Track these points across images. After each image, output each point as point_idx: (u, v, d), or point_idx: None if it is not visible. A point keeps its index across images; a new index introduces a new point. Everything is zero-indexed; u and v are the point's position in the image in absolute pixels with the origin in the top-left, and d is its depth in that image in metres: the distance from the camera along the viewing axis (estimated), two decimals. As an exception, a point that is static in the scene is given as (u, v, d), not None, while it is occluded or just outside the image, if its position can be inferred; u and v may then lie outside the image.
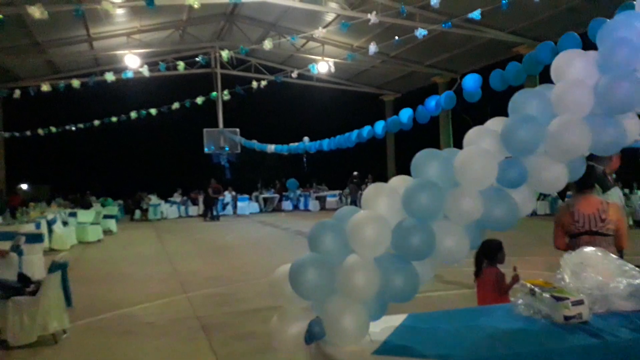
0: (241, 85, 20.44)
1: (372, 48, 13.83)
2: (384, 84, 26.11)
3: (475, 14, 11.85)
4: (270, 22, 20.54)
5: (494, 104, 5.76)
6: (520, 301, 2.81)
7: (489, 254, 4.19)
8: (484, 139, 2.67)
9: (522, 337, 2.44)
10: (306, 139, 13.77)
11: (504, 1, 10.41)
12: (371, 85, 26.53)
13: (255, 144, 18.04)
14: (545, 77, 3.03)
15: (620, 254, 4.01)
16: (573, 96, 2.58)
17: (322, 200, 26.01)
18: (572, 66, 2.67)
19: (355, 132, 11.57)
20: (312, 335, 2.43)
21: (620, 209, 4.24)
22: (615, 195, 4.53)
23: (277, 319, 2.57)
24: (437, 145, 22.68)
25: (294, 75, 18.48)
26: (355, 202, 21.42)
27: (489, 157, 2.56)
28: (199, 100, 18.28)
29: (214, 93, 21.54)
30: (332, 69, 18.60)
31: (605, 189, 4.43)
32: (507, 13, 12.89)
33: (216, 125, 23.45)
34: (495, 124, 2.72)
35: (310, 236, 2.51)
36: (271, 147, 15.25)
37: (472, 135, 2.72)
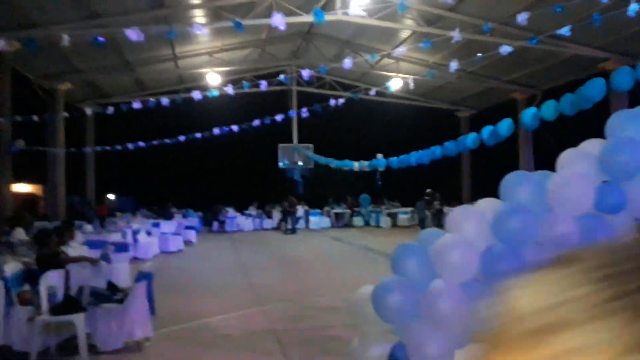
0: (317, 101, 20.76)
1: (454, 65, 13.62)
2: (460, 100, 25.58)
3: (564, 31, 11.38)
4: (345, 40, 20.77)
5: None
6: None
7: None
8: (579, 162, 2.56)
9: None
10: (379, 155, 13.73)
11: (595, 17, 9.90)
12: (446, 101, 26.08)
13: (333, 160, 18.20)
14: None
15: None
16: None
17: (393, 217, 25.75)
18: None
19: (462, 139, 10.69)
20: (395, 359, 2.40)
21: None
22: None
23: (358, 341, 2.56)
24: (517, 166, 21.92)
25: (372, 93, 18.56)
26: (423, 220, 21.05)
27: (586, 181, 2.44)
28: (278, 117, 18.77)
29: (292, 111, 22.04)
30: (412, 86, 18.50)
31: None
32: (593, 27, 12.33)
33: (291, 141, 23.91)
34: (590, 146, 2.60)
35: (394, 258, 2.50)
36: (356, 165, 15.33)
37: (567, 157, 2.61)
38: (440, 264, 2.37)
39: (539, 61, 18.75)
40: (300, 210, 24.67)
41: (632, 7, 8.32)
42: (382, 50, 19.48)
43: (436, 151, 11.60)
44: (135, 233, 14.23)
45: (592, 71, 16.77)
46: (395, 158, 12.82)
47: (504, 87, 22.14)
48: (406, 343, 2.36)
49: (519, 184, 2.53)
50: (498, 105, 23.59)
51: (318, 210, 25.79)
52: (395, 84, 21.16)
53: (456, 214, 2.57)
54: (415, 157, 12.72)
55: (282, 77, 16.36)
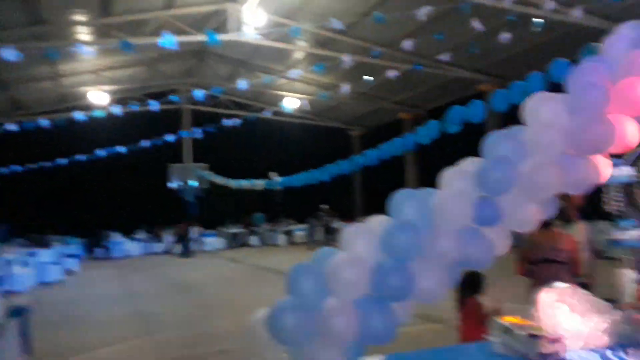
0: (212, 120, 20.42)
1: (345, 88, 14.09)
2: (352, 119, 26.48)
3: (444, 56, 12.22)
4: (240, 59, 20.71)
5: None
6: (496, 339, 2.82)
7: (471, 285, 4.23)
8: (459, 180, 2.71)
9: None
10: (273, 174, 13.78)
11: (472, 49, 10.77)
12: (340, 120, 26.87)
13: (229, 180, 17.91)
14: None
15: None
16: (544, 138, 2.65)
17: (290, 234, 25.85)
18: (543, 109, 2.75)
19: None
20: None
21: (576, 240, 4.60)
22: (576, 229, 4.66)
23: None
24: (403, 183, 23.00)
25: (268, 114, 18.61)
26: (311, 235, 21.38)
27: (465, 197, 2.59)
28: (169, 137, 18.14)
29: (184, 131, 21.45)
30: (308, 107, 18.85)
31: (567, 222, 4.56)
32: (471, 52, 13.36)
33: (182, 161, 23.25)
34: (468, 164, 2.77)
35: (289, 279, 2.47)
36: (254, 183, 15.17)
37: (448, 175, 2.75)
38: (333, 282, 2.38)
39: (423, 83, 19.96)
40: (193, 232, 23.98)
41: (504, 36, 9.28)
42: (277, 70, 19.70)
43: (330, 170, 11.91)
44: (8, 264, 12.96)
45: (470, 92, 18.19)
46: (291, 177, 12.96)
47: (392, 107, 23.27)
48: (300, 364, 2.34)
49: (405, 202, 2.62)
50: (387, 125, 24.73)
51: (213, 231, 25.18)
52: (290, 104, 21.46)
53: (348, 232, 2.61)
54: (310, 176, 12.98)
55: (173, 96, 15.91)
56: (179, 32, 13.40)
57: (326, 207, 23.47)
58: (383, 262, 2.48)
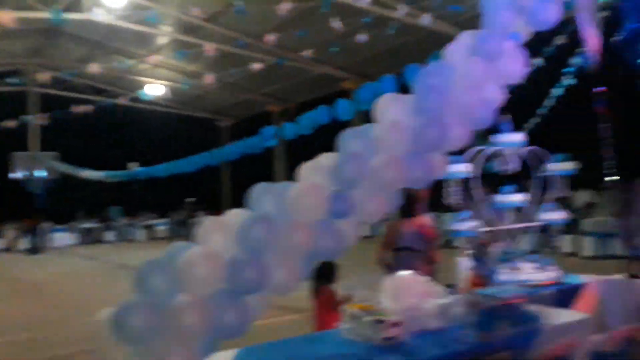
0: (63, 106, 18.77)
1: (208, 79, 13.74)
2: (220, 109, 26.04)
3: (307, 53, 12.49)
4: (97, 41, 19.29)
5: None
6: (345, 325, 2.97)
7: (325, 274, 4.41)
8: (315, 174, 2.79)
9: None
10: (133, 164, 13.06)
11: (332, 47, 11.17)
12: (207, 110, 26.26)
13: (81, 170, 16.59)
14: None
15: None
16: (391, 136, 2.83)
17: (150, 229, 24.77)
18: (391, 109, 2.93)
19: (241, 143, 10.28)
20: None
21: (433, 230, 4.99)
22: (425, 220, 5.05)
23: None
24: (272, 175, 23.16)
25: (124, 101, 17.55)
26: (174, 229, 20.81)
27: (320, 191, 2.67)
28: (10, 123, 16.29)
29: (30, 115, 19.46)
30: (167, 94, 18.10)
31: (414, 215, 4.92)
32: (336, 50, 13.81)
33: (28, 149, 21.10)
34: (325, 159, 2.86)
35: (137, 276, 2.37)
36: (98, 174, 14.16)
37: (305, 169, 2.83)
38: (186, 278, 2.33)
39: (291, 77, 20.25)
40: (42, 227, 21.95)
41: (361, 37, 9.81)
42: (139, 55, 18.67)
43: (195, 161, 11.59)
44: None
45: (336, 88, 18.85)
46: (153, 167, 12.39)
47: (261, 99, 23.30)
48: (149, 363, 2.26)
49: (263, 195, 2.65)
50: (256, 116, 24.69)
51: (64, 226, 23.24)
52: (153, 91, 20.48)
53: (204, 226, 2.57)
54: (172, 167, 12.49)
55: (14, 77, 14.33)
56: (24, 7, 12.12)
57: (192, 200, 22.87)
58: (237, 256, 2.48)
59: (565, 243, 13.58)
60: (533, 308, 3.20)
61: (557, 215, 4.73)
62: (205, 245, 2.49)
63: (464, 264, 4.08)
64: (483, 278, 3.78)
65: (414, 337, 2.90)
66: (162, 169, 12.60)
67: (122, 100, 18.44)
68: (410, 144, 2.86)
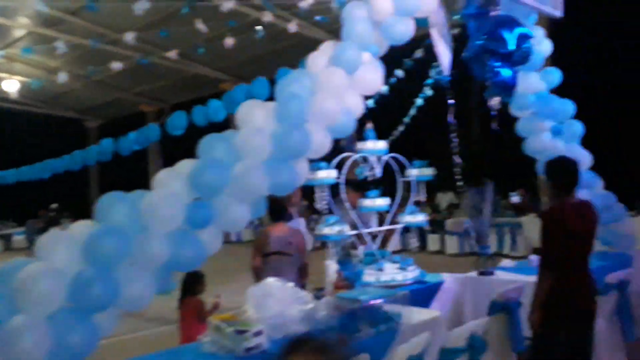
0: None
1: (62, 77, 12.66)
2: (87, 109, 24.30)
3: (172, 54, 12.06)
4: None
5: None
6: (206, 338, 2.88)
7: (188, 285, 4.29)
8: (173, 181, 2.68)
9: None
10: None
11: (199, 47, 10.95)
12: (72, 109, 24.39)
13: None
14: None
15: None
16: (253, 142, 2.81)
17: (7, 238, 22.48)
18: (253, 115, 2.90)
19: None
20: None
21: (303, 235, 4.99)
22: (296, 225, 5.09)
23: None
24: (147, 178, 22.06)
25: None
26: (32, 239, 19.16)
27: (176, 200, 2.57)
28: None
29: None
30: (28, 92, 16.46)
31: (283, 219, 4.93)
32: (211, 52, 13.52)
33: None
34: (184, 166, 2.76)
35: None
36: None
37: (162, 176, 2.70)
38: (23, 297, 2.11)
39: (165, 77, 19.48)
40: None
41: (228, 40, 9.87)
42: (-10, 47, 16.86)
43: (52, 165, 10.70)
44: None
45: (213, 90, 18.45)
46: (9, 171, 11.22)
47: (133, 98, 22.14)
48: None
49: (113, 205, 2.48)
50: (128, 116, 23.38)
51: None
52: (10, 87, 18.61)
53: (45, 240, 2.35)
54: (26, 172, 11.44)
55: None
56: None
57: (55, 206, 21.09)
58: (84, 271, 2.30)
59: (433, 242, 14.52)
60: (392, 308, 3.35)
61: (418, 218, 5.00)
62: (47, 260, 2.28)
63: (332, 268, 4.17)
64: (347, 281, 3.88)
65: (274, 344, 2.88)
66: (11, 175, 11.44)
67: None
68: (273, 150, 2.86)
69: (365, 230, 4.60)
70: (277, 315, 3.04)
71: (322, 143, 3.01)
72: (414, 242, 5.27)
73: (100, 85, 20.63)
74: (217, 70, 18.44)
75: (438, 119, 5.35)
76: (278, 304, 3.09)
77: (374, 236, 4.75)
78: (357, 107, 3.25)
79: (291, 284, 3.29)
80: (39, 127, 24.21)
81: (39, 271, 2.21)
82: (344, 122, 3.15)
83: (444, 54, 3.98)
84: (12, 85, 17.05)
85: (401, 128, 6.86)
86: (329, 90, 3.04)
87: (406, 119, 6.63)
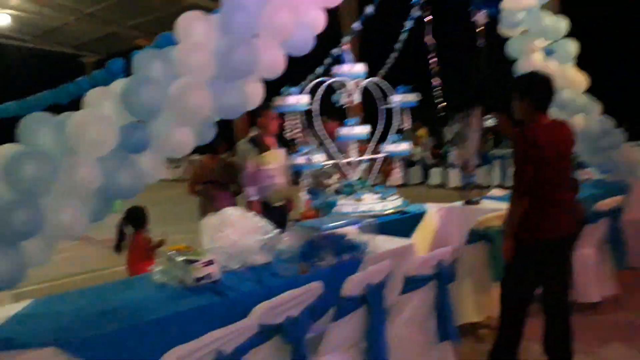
0: None
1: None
2: (82, 44, 23.69)
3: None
4: None
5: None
6: (157, 269, 2.75)
7: (135, 220, 4.19)
8: (105, 101, 2.45)
9: (148, 305, 2.37)
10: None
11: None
12: (67, 45, 23.80)
13: None
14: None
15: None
16: (194, 59, 2.54)
17: None
18: (193, 28, 2.62)
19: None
20: None
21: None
22: (274, 156, 4.85)
23: None
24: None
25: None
26: None
27: (107, 121, 2.35)
28: None
29: None
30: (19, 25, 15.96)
31: (262, 149, 4.72)
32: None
33: None
34: (116, 85, 2.52)
35: None
36: None
37: (92, 96, 2.47)
38: None
39: (160, 8, 18.79)
40: None
41: None
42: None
43: (45, 98, 10.39)
44: None
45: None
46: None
47: (128, 32, 21.50)
48: None
49: (37, 127, 2.27)
50: (126, 52, 22.81)
51: None
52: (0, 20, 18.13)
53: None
54: (21, 106, 11.15)
55: None
56: None
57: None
58: (4, 196, 2.12)
59: (435, 176, 14.34)
60: (360, 237, 3.19)
61: (402, 147, 4.76)
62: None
63: (304, 198, 4.00)
64: (316, 210, 3.72)
65: (232, 275, 2.75)
66: (8, 109, 11.19)
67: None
68: (217, 68, 2.60)
69: (341, 161, 4.38)
70: (232, 245, 2.89)
71: (274, 60, 2.74)
72: (396, 172, 5.04)
73: (94, 18, 20.00)
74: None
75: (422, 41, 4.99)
76: (235, 233, 2.93)
77: (352, 166, 4.53)
78: (317, 21, 2.95)
79: (251, 213, 3.12)
80: (34, 62, 23.73)
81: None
82: (301, 37, 2.86)
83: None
84: (2, 19, 16.57)
85: (392, 59, 6.46)
86: (283, 0, 2.73)
87: (397, 45, 6.23)
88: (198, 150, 5.08)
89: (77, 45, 23.91)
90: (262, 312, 2.07)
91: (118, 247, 4.20)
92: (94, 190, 2.33)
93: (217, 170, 5.11)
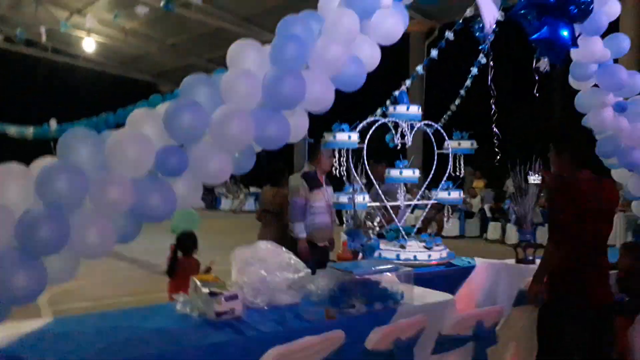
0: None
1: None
2: (161, 73, 24.96)
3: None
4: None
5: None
6: (181, 299, 2.67)
7: (184, 245, 4.17)
8: (147, 122, 2.45)
9: (165, 336, 2.28)
10: (53, 121, 12.19)
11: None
12: (147, 72, 25.13)
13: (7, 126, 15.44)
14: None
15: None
16: (240, 86, 2.51)
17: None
18: (245, 56, 2.61)
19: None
20: None
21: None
22: (323, 194, 4.76)
23: None
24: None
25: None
26: None
27: (145, 142, 2.34)
28: None
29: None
30: (105, 52, 16.98)
31: (312, 186, 4.64)
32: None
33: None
34: (163, 106, 2.52)
35: None
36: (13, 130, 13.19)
37: (135, 117, 2.48)
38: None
39: (234, 40, 19.53)
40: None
41: None
42: (71, 7, 17.62)
43: (109, 119, 10.86)
44: None
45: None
46: (69, 124, 11.57)
47: (205, 65, 22.44)
48: None
49: (76, 143, 2.28)
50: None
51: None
52: (88, 46, 19.38)
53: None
54: (91, 124, 11.72)
55: None
56: None
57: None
58: (32, 209, 2.12)
59: (494, 230, 13.77)
60: (397, 287, 3.00)
61: (454, 195, 4.55)
62: (-5, 195, 2.12)
63: (342, 239, 3.86)
64: (354, 252, 3.56)
65: (255, 312, 2.63)
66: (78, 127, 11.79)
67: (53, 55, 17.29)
68: (263, 97, 2.56)
69: (388, 204, 4.21)
70: (261, 281, 2.77)
71: (322, 93, 2.67)
72: (449, 223, 4.79)
73: (175, 49, 21.05)
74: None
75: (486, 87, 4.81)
76: (265, 268, 2.83)
77: (399, 210, 4.36)
78: (371, 57, 2.87)
79: (284, 249, 3.01)
80: (115, 88, 25.04)
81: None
82: (352, 72, 2.78)
83: (489, 8, 3.49)
84: (89, 45, 17.72)
85: (458, 100, 6.31)
86: (336, 34, 2.67)
87: (462, 91, 6.08)
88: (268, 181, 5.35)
89: (156, 74, 25.20)
90: (275, 357, 1.92)
91: (170, 271, 4.21)
92: (124, 211, 2.30)
93: (273, 200, 5.11)
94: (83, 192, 2.20)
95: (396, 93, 5.70)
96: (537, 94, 3.84)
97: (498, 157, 4.80)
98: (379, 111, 5.84)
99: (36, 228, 2.08)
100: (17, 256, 2.08)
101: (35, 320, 2.47)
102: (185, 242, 4.22)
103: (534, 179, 4.24)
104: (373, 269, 2.89)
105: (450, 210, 4.76)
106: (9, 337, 2.18)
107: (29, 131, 11.25)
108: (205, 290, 2.58)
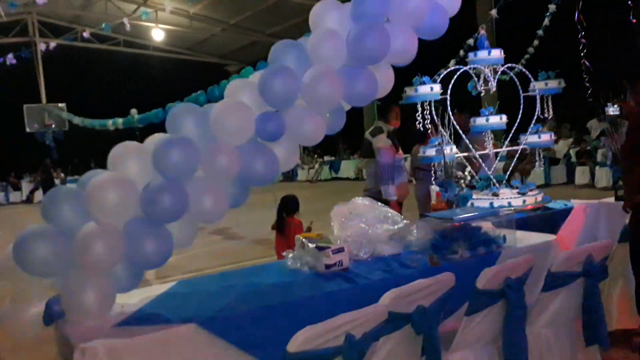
0: (66, 59, 18.53)
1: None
2: (228, 53, 25.45)
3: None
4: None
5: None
6: (290, 255, 2.83)
7: (288, 207, 4.53)
8: (243, 91, 2.57)
9: (281, 289, 2.44)
10: (134, 111, 12.80)
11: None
12: (214, 55, 25.72)
13: (92, 121, 16.47)
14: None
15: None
16: (326, 47, 2.57)
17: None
18: (327, 16, 2.65)
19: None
20: (51, 315, 2.18)
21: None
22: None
23: (9, 302, 2.27)
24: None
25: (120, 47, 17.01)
26: None
27: (245, 110, 2.46)
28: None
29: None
30: (172, 39, 17.61)
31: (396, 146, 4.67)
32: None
33: (39, 100, 21.04)
34: (254, 76, 2.63)
35: (43, 204, 2.23)
36: (110, 123, 13.96)
37: (233, 87, 2.61)
38: (94, 205, 2.18)
39: (296, 15, 19.51)
40: (57, 178, 22.18)
41: None
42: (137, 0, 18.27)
43: (200, 98, 11.24)
44: None
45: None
46: (148, 113, 12.13)
47: (268, 40, 22.63)
48: (62, 294, 2.15)
49: (183, 116, 2.45)
50: (265, 59, 24.00)
51: (77, 178, 23.42)
52: (156, 36, 20.12)
53: (116, 152, 2.38)
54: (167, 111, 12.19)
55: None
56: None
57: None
58: (153, 182, 2.31)
59: (582, 175, 13.15)
60: (497, 231, 3.01)
61: (544, 137, 4.41)
62: (117, 171, 2.32)
63: (434, 190, 3.86)
64: (448, 203, 3.56)
65: (361, 264, 2.74)
66: (158, 115, 12.30)
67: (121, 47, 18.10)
68: (348, 55, 2.60)
69: (475, 153, 4.15)
70: (362, 234, 2.87)
71: (406, 44, 2.67)
72: (537, 165, 4.65)
73: (236, 29, 21.38)
74: None
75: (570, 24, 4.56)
76: (364, 223, 2.92)
77: (487, 158, 4.29)
78: (452, 2, 2.83)
79: (380, 204, 3.09)
80: (186, 72, 25.82)
81: (106, 181, 2.25)
82: (435, 20, 2.75)
83: None
84: (158, 34, 18.40)
85: (536, 42, 6.04)
86: (414, -16, 2.65)
87: (539, 31, 5.81)
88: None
89: (222, 55, 25.73)
90: (392, 299, 2.01)
91: (280, 228, 4.59)
92: (233, 177, 2.45)
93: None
94: (196, 162, 2.37)
95: (470, 41, 5.54)
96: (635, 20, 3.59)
97: (589, 92, 4.57)
98: (451, 62, 5.71)
99: (159, 199, 2.27)
100: (145, 225, 2.29)
101: (162, 285, 2.70)
102: (289, 204, 4.52)
103: (613, 110, 4.01)
104: (472, 214, 2.90)
105: (540, 154, 4.62)
106: (145, 299, 2.41)
107: (119, 122, 11.91)
108: (312, 245, 2.71)
